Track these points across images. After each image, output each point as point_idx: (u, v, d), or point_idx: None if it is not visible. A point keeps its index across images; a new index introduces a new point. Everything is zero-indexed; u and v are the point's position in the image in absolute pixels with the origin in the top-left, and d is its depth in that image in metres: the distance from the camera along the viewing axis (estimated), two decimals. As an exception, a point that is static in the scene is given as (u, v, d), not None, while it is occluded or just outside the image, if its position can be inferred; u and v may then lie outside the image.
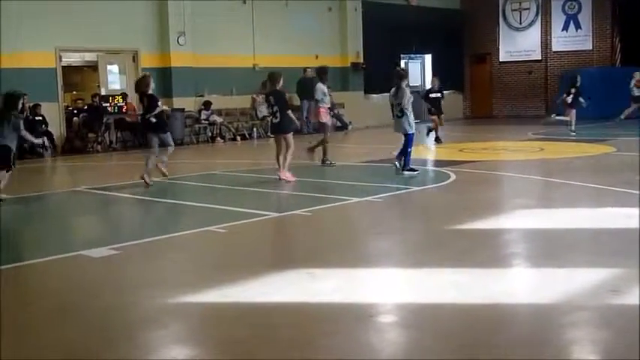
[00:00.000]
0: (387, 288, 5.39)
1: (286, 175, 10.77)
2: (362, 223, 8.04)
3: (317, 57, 22.61)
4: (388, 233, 7.35)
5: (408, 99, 11.03)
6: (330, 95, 13.56)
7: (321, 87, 12.86)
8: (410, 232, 7.44)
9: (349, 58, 23.73)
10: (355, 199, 9.13)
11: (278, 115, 10.94)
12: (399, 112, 11.02)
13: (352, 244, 6.91)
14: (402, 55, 25.75)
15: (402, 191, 9.86)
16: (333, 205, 8.81)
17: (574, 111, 17.66)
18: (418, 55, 26.79)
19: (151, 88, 10.94)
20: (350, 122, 22.63)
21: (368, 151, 15.80)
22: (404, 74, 11.35)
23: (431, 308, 4.75)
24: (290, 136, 11.04)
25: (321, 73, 13.07)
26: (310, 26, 22.62)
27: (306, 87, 19.48)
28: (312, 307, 4.84)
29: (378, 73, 24.01)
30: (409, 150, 11.00)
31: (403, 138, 11.03)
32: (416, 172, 10.97)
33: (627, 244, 6.42)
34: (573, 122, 17.67)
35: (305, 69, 20.95)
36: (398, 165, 10.96)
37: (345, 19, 23.64)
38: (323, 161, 12.73)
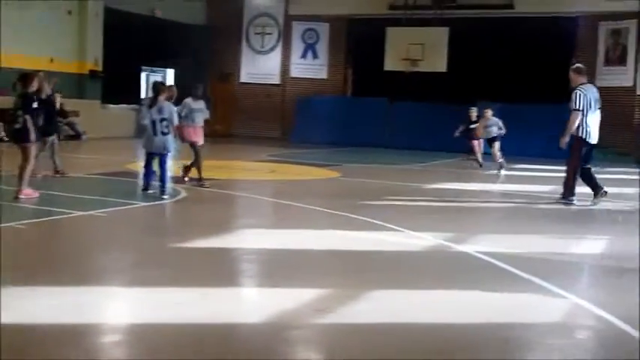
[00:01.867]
0: (105, 307, 5.21)
1: (27, 192, 9.69)
2: (82, 239, 7.72)
3: (52, 60, 21.52)
4: (109, 249, 7.13)
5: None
6: (205, 111, 12.22)
7: (188, 102, 11.87)
8: (132, 248, 7.28)
9: (87, 65, 22.88)
10: (78, 213, 8.74)
11: (20, 120, 9.83)
12: (165, 129, 10.55)
13: (68, 261, 6.58)
14: (143, 68, 25.36)
15: (130, 206, 9.63)
16: (52, 218, 8.37)
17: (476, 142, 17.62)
18: (160, 69, 26.54)
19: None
20: (84, 132, 21.74)
21: (101, 162, 15.28)
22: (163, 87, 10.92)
23: (148, 327, 4.66)
24: (30, 146, 9.92)
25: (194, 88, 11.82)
26: (48, 27, 21.45)
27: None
28: (21, 328, 4.52)
29: (118, 83, 23.47)
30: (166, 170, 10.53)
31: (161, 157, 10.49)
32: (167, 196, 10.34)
33: (342, 264, 6.84)
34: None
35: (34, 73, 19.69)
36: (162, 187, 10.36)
37: (85, 24, 22.79)
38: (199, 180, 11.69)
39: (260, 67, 27.89)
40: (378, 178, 14.79)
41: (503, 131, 16.81)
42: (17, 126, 9.94)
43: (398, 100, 24.68)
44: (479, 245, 7.70)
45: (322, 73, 27.33)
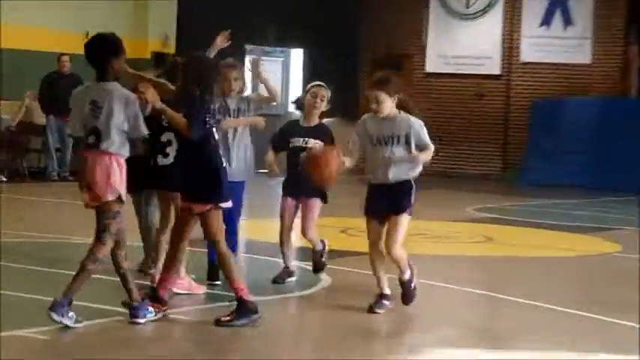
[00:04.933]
0: None
1: (183, 283, 9.73)
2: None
3: (88, 35, 22.38)
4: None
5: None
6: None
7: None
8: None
9: (149, 45, 23.85)
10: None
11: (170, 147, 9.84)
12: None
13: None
14: (248, 48, 25.95)
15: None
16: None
17: None
18: (278, 50, 27.13)
19: None
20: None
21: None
22: None
23: None
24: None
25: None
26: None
27: (57, 90, 19.08)
28: None
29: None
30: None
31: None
32: None
33: None
34: None
35: (60, 56, 20.66)
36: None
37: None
38: None
39: (464, 43, 28.07)
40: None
41: None
42: (168, 160, 9.85)
43: None
44: None
45: (582, 55, 27.19)
